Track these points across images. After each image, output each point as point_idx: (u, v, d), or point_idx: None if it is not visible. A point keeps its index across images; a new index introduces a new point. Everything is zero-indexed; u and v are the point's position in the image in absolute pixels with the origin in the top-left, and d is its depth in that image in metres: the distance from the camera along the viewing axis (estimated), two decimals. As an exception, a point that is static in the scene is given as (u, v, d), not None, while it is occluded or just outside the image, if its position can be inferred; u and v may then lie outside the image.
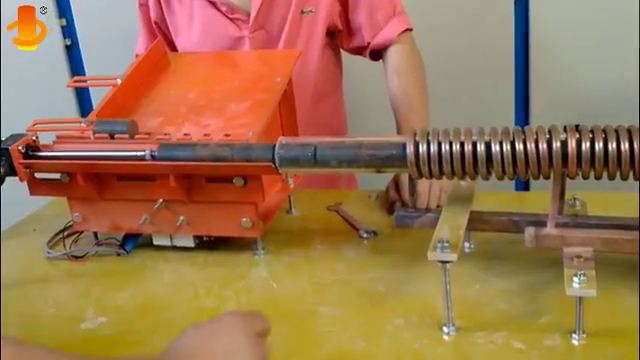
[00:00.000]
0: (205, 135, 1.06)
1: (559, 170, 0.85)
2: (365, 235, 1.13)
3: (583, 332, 0.82)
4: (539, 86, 2.06)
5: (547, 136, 0.83)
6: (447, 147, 0.87)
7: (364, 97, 1.88)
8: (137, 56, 1.39)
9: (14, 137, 1.09)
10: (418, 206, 1.07)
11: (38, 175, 1.12)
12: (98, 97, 1.25)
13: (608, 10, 1.92)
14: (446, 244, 0.83)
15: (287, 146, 0.97)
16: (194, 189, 1.07)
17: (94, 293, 1.05)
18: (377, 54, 1.46)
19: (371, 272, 1.03)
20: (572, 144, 0.82)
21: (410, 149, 0.89)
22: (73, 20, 2.28)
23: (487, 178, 0.89)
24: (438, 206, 1.12)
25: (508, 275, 0.97)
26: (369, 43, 1.43)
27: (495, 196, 1.15)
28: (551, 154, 0.83)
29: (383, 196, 1.26)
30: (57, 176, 1.10)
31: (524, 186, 1.87)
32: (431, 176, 0.90)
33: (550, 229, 0.90)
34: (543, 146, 0.83)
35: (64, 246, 1.18)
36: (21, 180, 1.10)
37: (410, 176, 0.95)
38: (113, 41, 2.07)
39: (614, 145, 0.81)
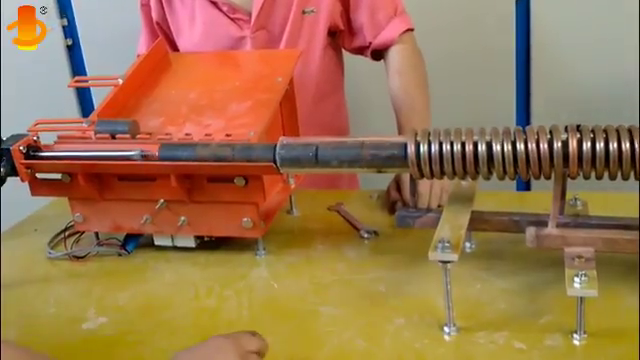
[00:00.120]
0: (206, 135, 1.06)
1: (560, 170, 0.85)
2: (366, 235, 1.13)
3: (584, 332, 0.82)
4: (540, 85, 2.06)
5: (548, 136, 0.83)
6: (448, 147, 0.87)
7: (366, 97, 1.88)
8: (139, 56, 1.39)
9: (15, 137, 1.09)
10: (419, 206, 1.07)
11: (39, 175, 1.12)
12: (99, 97, 1.25)
13: (608, 9, 1.92)
14: (447, 244, 0.83)
15: (288, 146, 0.97)
16: (195, 189, 1.07)
17: (95, 293, 1.05)
18: (378, 54, 1.45)
19: (372, 272, 1.03)
20: (573, 144, 0.82)
21: (411, 149, 0.89)
22: (74, 20, 2.28)
23: (488, 178, 0.89)
24: (439, 206, 1.12)
25: (509, 275, 0.97)
26: (370, 43, 1.43)
27: (496, 196, 1.15)
28: (552, 154, 0.83)
29: (384, 196, 1.26)
30: (58, 176, 1.10)
31: (525, 186, 1.87)
32: (432, 176, 0.90)
33: (551, 229, 0.90)
34: (544, 146, 0.83)
35: (65, 246, 1.19)
36: (22, 180, 1.10)
37: (411, 176, 0.95)
38: (114, 41, 2.06)
39: (615, 145, 0.81)
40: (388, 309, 0.93)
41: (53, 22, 2.22)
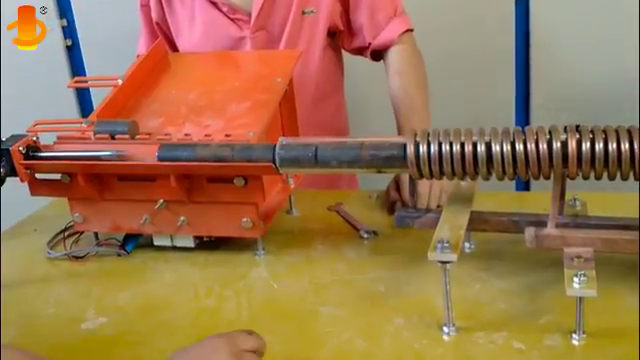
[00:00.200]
0: (206, 135, 1.06)
1: (559, 170, 0.85)
2: (365, 235, 1.13)
3: (583, 332, 0.82)
4: (540, 85, 2.06)
5: (547, 136, 0.83)
6: (447, 147, 0.87)
7: (365, 97, 1.88)
8: (138, 56, 1.39)
9: (15, 138, 1.09)
10: (418, 206, 1.07)
11: (39, 175, 1.12)
12: (99, 98, 1.25)
13: (608, 9, 1.92)
14: (446, 244, 0.83)
15: (287, 146, 0.97)
16: (195, 189, 1.07)
17: (94, 293, 1.05)
18: (378, 54, 1.46)
19: (371, 272, 1.03)
20: (572, 144, 0.82)
21: (411, 149, 0.89)
22: (74, 20, 2.28)
23: (487, 178, 0.89)
24: (438, 206, 1.12)
25: (508, 275, 0.97)
26: (370, 44, 1.43)
27: (495, 196, 1.15)
28: (551, 154, 0.83)
29: (384, 196, 1.26)
30: (58, 176, 1.10)
31: (524, 186, 1.87)
32: (431, 176, 0.91)
33: (550, 229, 0.90)
34: (543, 146, 0.83)
35: (65, 246, 1.19)
36: (22, 181, 1.10)
37: (410, 176, 0.95)
38: (114, 41, 2.07)
39: (614, 145, 0.81)
40: (388, 309, 0.93)
41: (53, 22, 2.22)
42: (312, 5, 1.40)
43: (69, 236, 1.21)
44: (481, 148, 0.86)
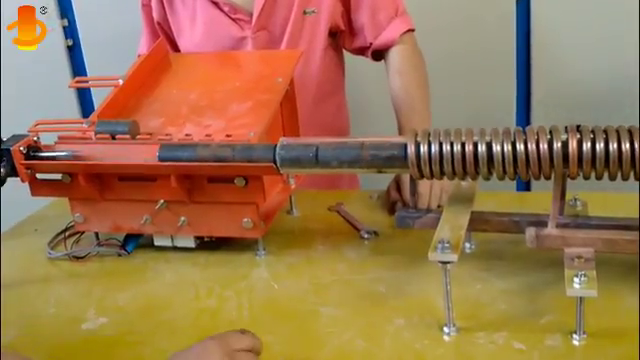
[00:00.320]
0: (206, 135, 1.06)
1: (560, 170, 0.85)
2: (366, 235, 1.13)
3: (584, 332, 0.82)
4: (540, 85, 2.06)
5: (548, 136, 0.83)
6: (448, 147, 0.87)
7: (366, 97, 1.88)
8: (139, 56, 1.39)
9: (15, 138, 1.09)
10: (419, 206, 1.07)
11: (39, 176, 1.12)
12: (100, 98, 1.25)
13: (609, 8, 1.92)
14: (447, 244, 0.83)
15: (288, 146, 0.97)
16: (195, 189, 1.07)
17: (95, 293, 1.05)
18: (379, 54, 1.45)
19: (372, 272, 1.03)
20: (573, 144, 0.82)
21: (411, 149, 0.89)
22: (75, 20, 2.28)
23: (488, 178, 0.89)
24: (439, 206, 1.12)
25: (509, 275, 0.97)
26: (371, 43, 1.43)
27: (496, 196, 1.15)
28: (552, 154, 0.83)
29: (384, 196, 1.26)
30: (58, 177, 1.10)
31: (525, 186, 1.87)
32: (432, 176, 0.91)
33: (551, 229, 0.90)
34: (544, 146, 0.83)
35: (65, 246, 1.19)
36: (22, 181, 1.10)
37: (411, 176, 0.95)
38: (115, 41, 2.06)
39: (615, 145, 0.81)
40: (388, 309, 0.93)
41: (53, 22, 2.22)
42: (313, 5, 1.40)
43: (70, 236, 1.21)
44: (482, 148, 0.86)
